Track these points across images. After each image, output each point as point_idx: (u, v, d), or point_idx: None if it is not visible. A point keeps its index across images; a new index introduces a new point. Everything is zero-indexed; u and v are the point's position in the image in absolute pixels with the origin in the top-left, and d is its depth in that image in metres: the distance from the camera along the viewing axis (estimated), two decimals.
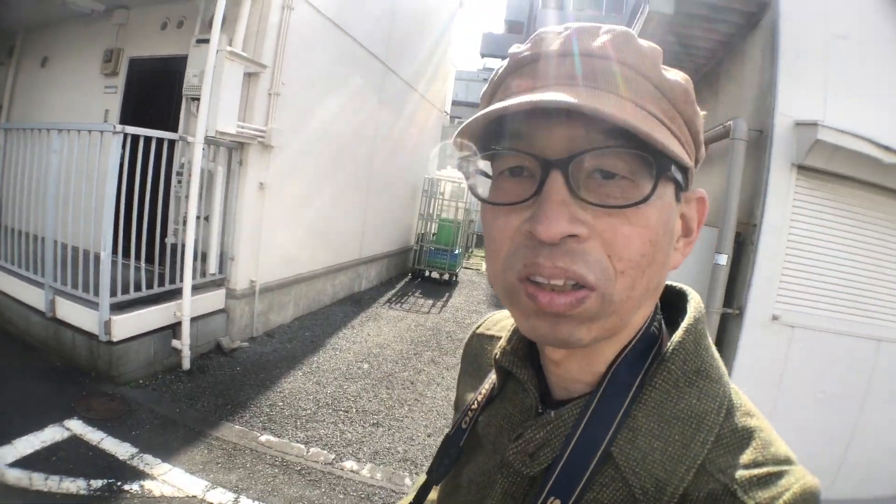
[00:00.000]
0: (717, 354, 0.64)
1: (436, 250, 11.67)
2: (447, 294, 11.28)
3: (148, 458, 3.92)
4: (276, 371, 5.80)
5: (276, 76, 6.01)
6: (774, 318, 4.30)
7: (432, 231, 12.07)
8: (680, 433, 0.58)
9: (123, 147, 4.58)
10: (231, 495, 3.69)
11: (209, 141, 5.30)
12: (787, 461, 0.56)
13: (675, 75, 0.60)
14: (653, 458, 0.57)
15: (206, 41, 5.18)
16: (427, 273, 12.04)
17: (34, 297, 5.15)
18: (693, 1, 4.82)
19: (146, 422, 4.40)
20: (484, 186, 0.63)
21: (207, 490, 3.70)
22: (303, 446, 4.45)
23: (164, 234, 5.42)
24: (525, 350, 0.73)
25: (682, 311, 0.68)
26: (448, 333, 8.32)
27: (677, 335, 0.63)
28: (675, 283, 0.72)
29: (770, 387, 4.38)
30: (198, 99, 5.54)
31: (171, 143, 5.15)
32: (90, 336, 4.82)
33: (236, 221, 5.95)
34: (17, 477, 3.51)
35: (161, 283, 5.24)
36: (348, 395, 5.55)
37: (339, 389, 5.63)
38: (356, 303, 9.23)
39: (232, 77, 5.28)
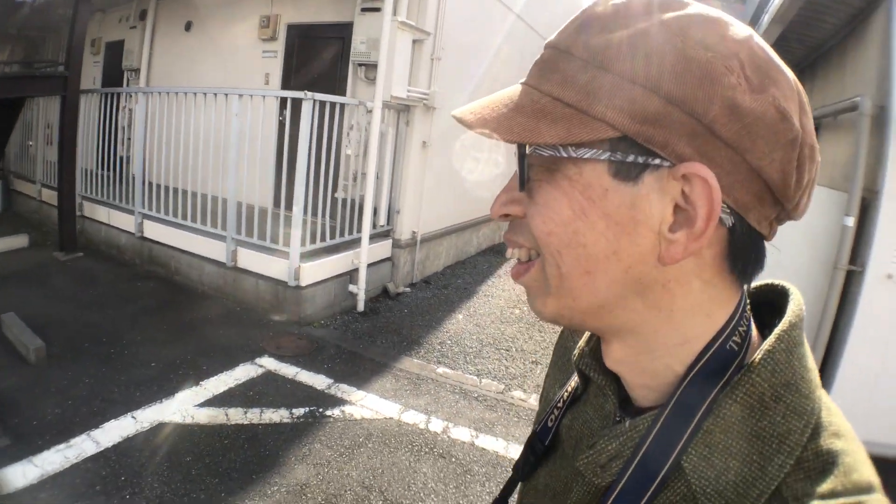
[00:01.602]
0: (812, 365, 0.58)
1: None
2: None
3: (343, 386, 4.44)
4: (438, 314, 6.22)
5: (437, 42, 6.37)
6: (889, 276, 4.42)
7: None
8: (759, 453, 0.53)
9: (312, 112, 5.08)
10: (423, 416, 4.12)
11: (384, 105, 5.69)
12: (868, 489, 0.51)
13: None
14: (727, 479, 0.53)
15: (373, 10, 5.63)
16: None
17: (213, 249, 5.86)
18: None
19: (335, 357, 4.94)
20: None
21: (402, 412, 4.15)
22: (475, 378, 4.84)
23: (333, 190, 5.87)
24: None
25: (782, 313, 0.60)
26: None
27: (768, 342, 0.56)
28: (778, 282, 0.65)
29: (881, 340, 4.52)
30: (365, 64, 6.06)
31: (341, 106, 5.57)
32: (276, 282, 5.44)
33: (402, 177, 6.37)
34: (210, 415, 3.87)
35: (341, 234, 5.78)
36: (506, 336, 5.89)
37: (498, 331, 5.98)
38: (497, 253, 9.56)
39: (403, 45, 5.71)
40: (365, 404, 4.21)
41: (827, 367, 4.49)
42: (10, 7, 7.56)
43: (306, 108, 4.99)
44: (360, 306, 5.94)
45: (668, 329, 0.57)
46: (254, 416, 3.91)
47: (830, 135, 5.77)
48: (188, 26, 8.54)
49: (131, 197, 6.65)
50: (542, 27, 9.68)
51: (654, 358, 0.59)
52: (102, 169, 7.22)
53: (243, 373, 4.47)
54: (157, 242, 6.42)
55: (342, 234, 5.85)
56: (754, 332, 0.60)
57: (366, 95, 6.03)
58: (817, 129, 6.23)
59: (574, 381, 0.76)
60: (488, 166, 8.63)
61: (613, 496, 0.58)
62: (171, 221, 6.21)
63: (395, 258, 6.57)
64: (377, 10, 5.60)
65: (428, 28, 6.15)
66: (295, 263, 5.22)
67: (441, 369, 4.93)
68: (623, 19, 0.52)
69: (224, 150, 5.64)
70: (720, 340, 0.57)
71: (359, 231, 5.92)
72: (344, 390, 4.37)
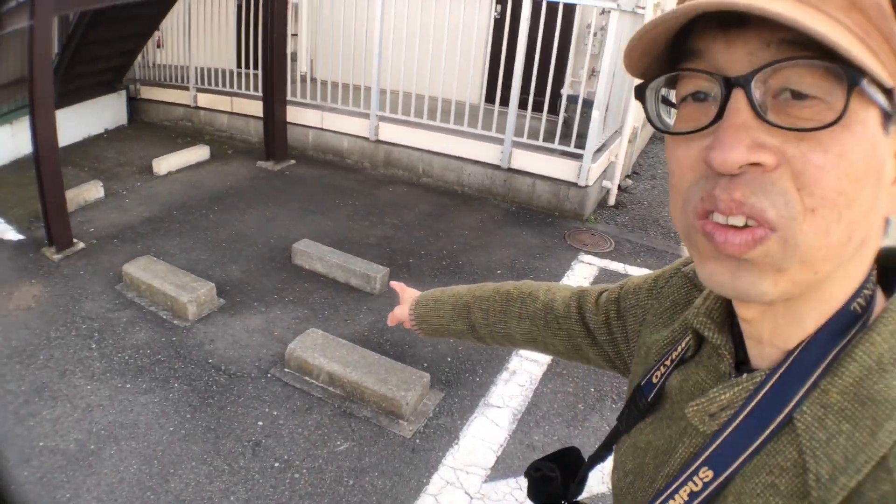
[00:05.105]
0: None
1: None
2: None
3: None
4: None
5: None
6: None
7: None
8: (872, 417, 0.50)
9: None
10: None
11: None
12: None
13: None
14: (837, 442, 0.51)
15: None
16: None
17: (482, 151, 6.17)
18: None
19: (636, 251, 5.39)
20: (667, 115, 0.58)
21: None
22: None
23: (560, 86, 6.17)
24: (722, 312, 0.66)
25: None
26: None
27: (891, 302, 0.55)
28: None
29: None
30: None
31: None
32: (557, 182, 5.84)
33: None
34: None
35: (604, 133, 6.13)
36: None
37: None
38: (660, 140, 9.70)
39: None
40: None
41: None
42: None
43: (613, 18, 5.28)
44: (611, 200, 6.39)
45: (832, 290, 0.53)
46: None
47: None
48: None
49: (341, 98, 6.78)
50: None
51: (801, 319, 0.55)
52: (248, 68, 7.25)
53: (583, 271, 4.87)
54: (397, 145, 6.63)
55: (604, 134, 6.13)
56: (880, 295, 0.57)
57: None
58: None
59: (684, 341, 0.73)
60: None
61: (718, 442, 0.58)
62: (421, 124, 6.38)
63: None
64: None
65: None
66: (588, 164, 5.59)
67: None
68: None
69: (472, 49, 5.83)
70: (850, 299, 0.54)
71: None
72: None
